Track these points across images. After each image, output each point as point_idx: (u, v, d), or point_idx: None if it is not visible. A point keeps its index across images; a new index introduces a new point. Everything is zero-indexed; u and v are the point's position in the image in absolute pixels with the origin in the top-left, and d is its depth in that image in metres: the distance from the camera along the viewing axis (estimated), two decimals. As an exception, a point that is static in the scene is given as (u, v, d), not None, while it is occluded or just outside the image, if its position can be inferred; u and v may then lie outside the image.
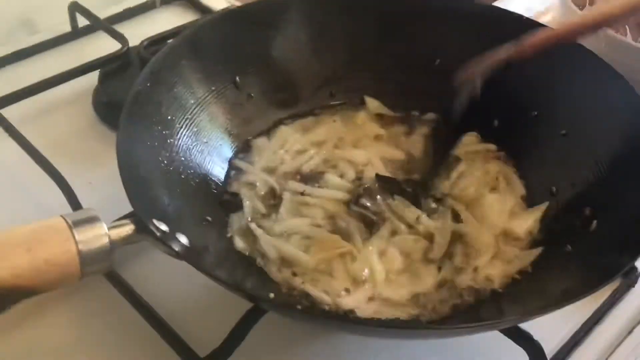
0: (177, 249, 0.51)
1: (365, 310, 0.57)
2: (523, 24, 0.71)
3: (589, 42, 0.70)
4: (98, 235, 0.48)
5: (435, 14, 0.73)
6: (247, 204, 0.65)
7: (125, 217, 0.51)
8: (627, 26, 0.83)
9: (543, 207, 0.65)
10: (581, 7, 0.86)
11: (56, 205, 0.66)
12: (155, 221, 0.51)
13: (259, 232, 0.62)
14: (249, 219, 0.64)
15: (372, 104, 0.75)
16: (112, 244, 0.48)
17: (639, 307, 0.64)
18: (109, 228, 0.49)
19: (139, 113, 0.60)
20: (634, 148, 0.61)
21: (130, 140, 0.57)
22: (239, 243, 0.62)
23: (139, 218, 0.51)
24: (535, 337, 0.54)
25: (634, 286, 0.65)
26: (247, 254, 0.61)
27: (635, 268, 0.65)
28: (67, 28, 0.90)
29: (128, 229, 0.50)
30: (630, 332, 0.63)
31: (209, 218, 0.62)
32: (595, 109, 0.65)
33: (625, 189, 0.59)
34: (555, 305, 0.49)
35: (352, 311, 0.57)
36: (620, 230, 0.57)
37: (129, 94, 0.60)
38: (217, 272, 0.54)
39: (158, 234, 0.50)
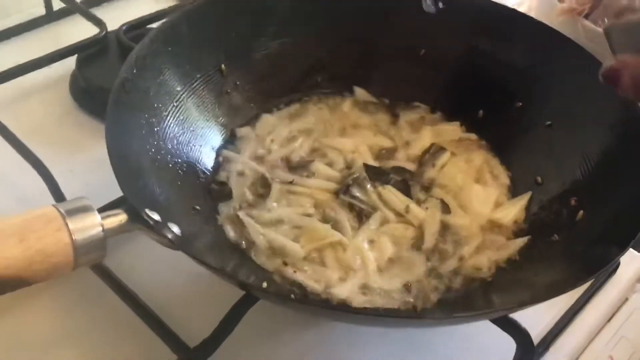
0: (170, 237, 0.50)
1: (357, 299, 0.57)
2: (506, 14, 0.72)
3: (568, 33, 0.71)
4: (91, 225, 0.47)
5: (420, 4, 0.73)
6: (235, 192, 0.64)
7: (116, 206, 0.50)
8: (605, 18, 0.84)
9: (526, 196, 0.66)
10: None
11: (37, 194, 0.64)
12: (147, 211, 0.50)
13: (247, 220, 0.61)
14: (238, 208, 0.63)
15: (359, 92, 0.75)
16: (106, 233, 0.47)
17: (619, 293, 0.66)
18: (102, 217, 0.48)
19: (125, 101, 0.59)
20: (620, 139, 0.62)
21: (118, 129, 0.56)
22: (230, 232, 0.61)
23: (131, 207, 0.50)
24: (522, 324, 0.55)
25: (614, 274, 0.66)
26: (237, 242, 0.60)
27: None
28: (42, 11, 0.87)
29: (121, 218, 0.49)
30: (611, 317, 0.65)
31: (198, 207, 0.61)
32: (580, 100, 0.66)
33: (612, 180, 0.60)
34: (545, 296, 0.50)
35: (344, 300, 0.57)
36: (607, 221, 0.58)
37: (115, 81, 0.58)
38: (210, 261, 0.53)
39: (151, 223, 0.49)
